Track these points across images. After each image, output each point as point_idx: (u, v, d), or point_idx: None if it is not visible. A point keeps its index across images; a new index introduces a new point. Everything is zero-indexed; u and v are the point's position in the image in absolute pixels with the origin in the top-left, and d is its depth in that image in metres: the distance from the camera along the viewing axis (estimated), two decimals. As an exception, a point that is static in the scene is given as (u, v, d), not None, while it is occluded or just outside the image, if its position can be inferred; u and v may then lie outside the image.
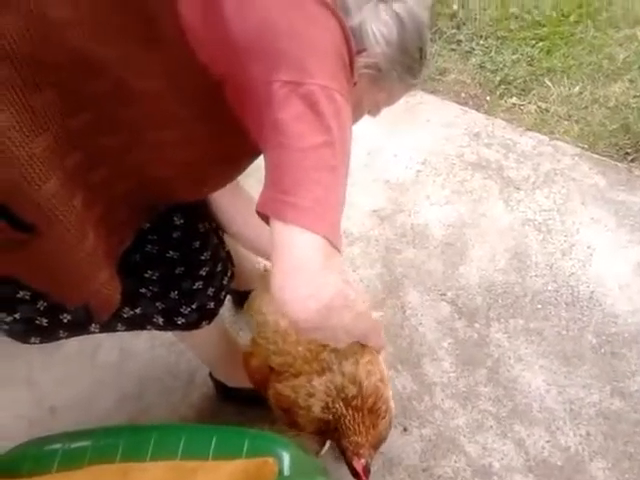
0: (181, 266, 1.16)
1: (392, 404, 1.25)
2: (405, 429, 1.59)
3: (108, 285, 0.96)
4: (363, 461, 1.12)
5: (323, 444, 1.53)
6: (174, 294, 1.18)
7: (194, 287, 1.20)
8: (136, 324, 1.23)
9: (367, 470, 1.13)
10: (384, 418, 1.20)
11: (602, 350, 1.67)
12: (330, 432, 1.18)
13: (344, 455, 1.14)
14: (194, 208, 1.16)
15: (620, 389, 1.60)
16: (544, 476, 1.48)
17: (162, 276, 1.15)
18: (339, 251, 0.83)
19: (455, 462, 1.52)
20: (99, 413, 1.64)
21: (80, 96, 0.80)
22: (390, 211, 2.08)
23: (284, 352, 1.22)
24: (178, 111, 0.86)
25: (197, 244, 1.18)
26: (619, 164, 2.09)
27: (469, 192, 2.10)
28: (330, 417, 1.16)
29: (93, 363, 1.78)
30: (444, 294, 1.84)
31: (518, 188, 2.08)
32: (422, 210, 2.07)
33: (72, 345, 1.65)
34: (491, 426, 1.57)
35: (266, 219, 0.82)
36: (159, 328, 1.26)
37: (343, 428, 1.14)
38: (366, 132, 2.21)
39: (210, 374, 1.67)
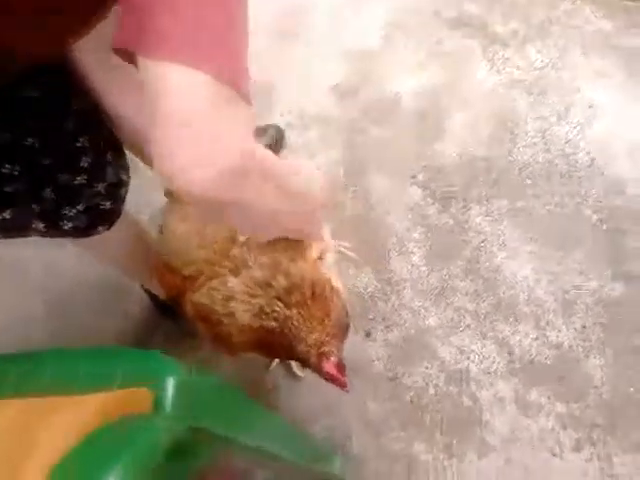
0: (48, 156, 0.89)
1: (339, 284, 1.00)
2: (368, 334, 1.35)
3: None
4: (334, 359, 0.88)
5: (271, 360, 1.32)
6: (48, 192, 0.92)
7: (75, 182, 0.94)
8: (13, 230, 0.99)
9: (342, 366, 0.89)
10: (333, 302, 0.96)
11: (603, 227, 1.38)
12: (278, 346, 0.94)
13: (308, 364, 0.91)
14: (55, 78, 0.86)
15: (624, 272, 1.32)
16: (531, 379, 1.24)
17: (25, 170, 0.88)
18: (247, 102, 0.60)
19: (426, 368, 1.29)
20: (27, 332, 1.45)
21: None
22: (353, 85, 1.75)
23: (190, 260, 0.99)
24: None
25: (70, 125, 0.89)
26: (629, 3, 1.70)
27: (447, 54, 1.74)
28: (273, 324, 0.92)
29: (21, 280, 1.57)
30: (415, 176, 1.55)
31: (505, 45, 1.72)
32: (391, 81, 1.73)
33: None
34: (468, 325, 1.32)
35: (128, 59, 0.58)
36: (44, 235, 1.02)
37: (294, 332, 0.91)
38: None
39: (142, 285, 1.45)
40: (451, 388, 1.26)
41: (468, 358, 1.29)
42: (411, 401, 1.26)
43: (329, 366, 0.89)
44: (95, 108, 0.98)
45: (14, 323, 1.51)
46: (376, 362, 1.32)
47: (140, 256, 1.29)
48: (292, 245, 0.97)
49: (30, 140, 0.86)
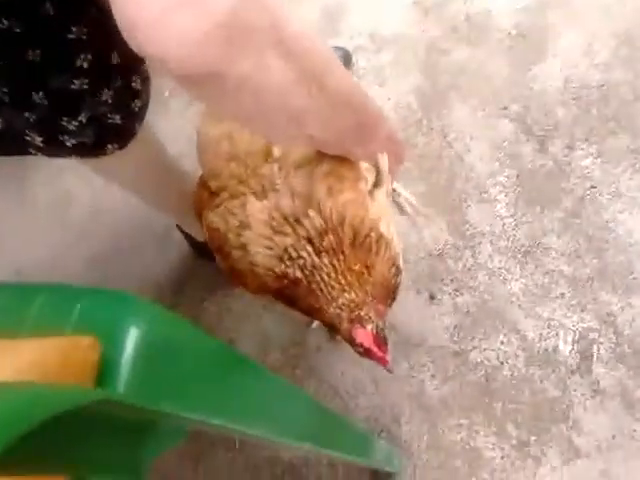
0: (33, 48, 0.70)
1: (391, 235, 0.75)
2: (432, 297, 1.10)
3: None
4: (370, 327, 0.66)
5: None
6: (40, 97, 0.75)
7: (72, 87, 0.76)
8: (9, 146, 0.84)
9: (381, 338, 0.66)
10: (379, 254, 0.72)
11: None
12: (303, 303, 0.73)
13: (339, 331, 0.68)
14: None
15: None
16: (643, 368, 0.95)
17: (8, 65, 0.71)
18: None
19: (502, 344, 1.03)
20: (67, 275, 1.37)
21: None
22: (437, -1, 1.45)
23: (217, 172, 0.80)
24: None
25: (51, 10, 0.70)
26: None
27: (559, -42, 1.40)
28: (298, 274, 0.70)
29: (64, 219, 1.46)
30: (506, 107, 1.24)
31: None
32: (484, -7, 1.42)
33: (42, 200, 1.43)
34: (562, 294, 1.03)
35: None
36: (46, 153, 0.86)
37: (323, 288, 0.68)
38: None
39: (177, 225, 1.28)
40: (532, 371, 0.99)
41: (558, 335, 1.01)
42: (480, 383, 1.01)
43: (362, 335, 0.65)
44: None
45: (52, 262, 1.41)
46: (439, 331, 1.07)
47: (162, 185, 1.10)
48: (337, 170, 0.73)
49: (5, 22, 0.68)
